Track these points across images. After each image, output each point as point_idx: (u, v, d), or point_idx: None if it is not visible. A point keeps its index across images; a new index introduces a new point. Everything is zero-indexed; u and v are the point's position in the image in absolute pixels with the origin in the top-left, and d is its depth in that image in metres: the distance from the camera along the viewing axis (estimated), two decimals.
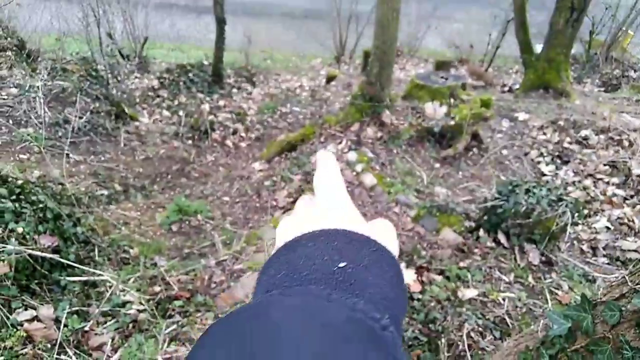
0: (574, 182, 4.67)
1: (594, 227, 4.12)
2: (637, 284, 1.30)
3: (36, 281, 2.74)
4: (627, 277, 1.35)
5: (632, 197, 4.49)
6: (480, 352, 2.34)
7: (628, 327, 1.32)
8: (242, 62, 8.98)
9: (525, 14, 7.31)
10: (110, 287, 3.04)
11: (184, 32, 11.57)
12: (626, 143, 5.06)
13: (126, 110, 5.31)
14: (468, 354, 2.34)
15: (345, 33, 10.48)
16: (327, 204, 0.51)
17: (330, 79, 8.48)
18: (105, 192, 4.25)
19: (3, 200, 2.77)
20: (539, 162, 4.95)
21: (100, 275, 3.12)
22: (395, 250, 0.48)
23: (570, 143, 5.14)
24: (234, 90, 7.79)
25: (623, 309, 1.33)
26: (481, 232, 3.52)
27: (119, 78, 5.88)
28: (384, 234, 0.49)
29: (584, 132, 5.21)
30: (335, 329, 0.32)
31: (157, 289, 3.14)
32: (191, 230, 3.96)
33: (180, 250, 3.72)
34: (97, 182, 4.32)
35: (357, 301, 0.37)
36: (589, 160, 4.88)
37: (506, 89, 8.83)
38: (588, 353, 1.42)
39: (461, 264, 3.30)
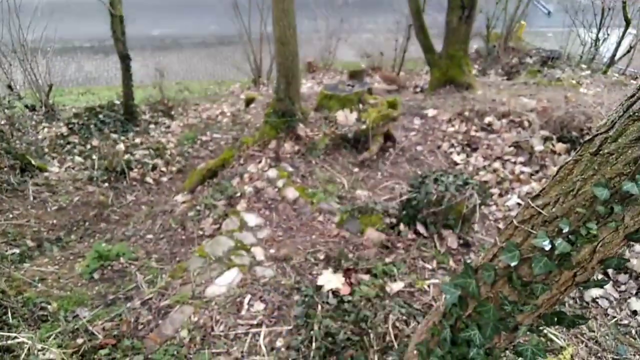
0: (484, 167, 4.96)
1: (507, 205, 4.39)
2: (503, 242, 1.40)
3: None
4: (497, 239, 1.46)
5: (537, 172, 4.83)
6: (406, 339, 2.41)
7: (503, 284, 1.41)
8: (158, 96, 8.80)
9: (422, 17, 7.74)
10: (28, 348, 2.85)
11: (93, 74, 11.22)
12: (526, 123, 5.45)
13: (32, 162, 5.04)
14: (395, 342, 2.40)
15: (259, 55, 10.60)
16: None
17: (249, 101, 8.51)
18: (17, 250, 4.00)
19: None
20: (451, 153, 5.21)
21: (15, 337, 2.92)
22: None
23: (476, 131, 5.46)
24: (151, 125, 7.61)
25: (496, 267, 1.42)
26: (401, 227, 3.64)
27: (22, 130, 5.58)
28: None
29: (487, 119, 5.56)
30: None
31: (80, 341, 2.97)
32: (115, 275, 3.79)
33: (105, 297, 3.54)
34: (7, 242, 4.05)
35: None
36: (495, 144, 5.21)
37: (418, 89, 9.27)
38: (478, 315, 1.50)
39: (386, 260, 3.39)
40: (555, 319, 1.43)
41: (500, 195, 4.53)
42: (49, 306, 3.33)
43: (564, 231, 1.20)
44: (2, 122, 5.70)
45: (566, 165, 1.23)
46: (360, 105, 4.99)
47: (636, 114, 1.07)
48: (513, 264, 1.32)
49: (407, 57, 10.75)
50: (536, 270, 1.28)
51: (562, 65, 9.09)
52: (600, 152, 1.12)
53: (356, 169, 4.71)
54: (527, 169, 4.84)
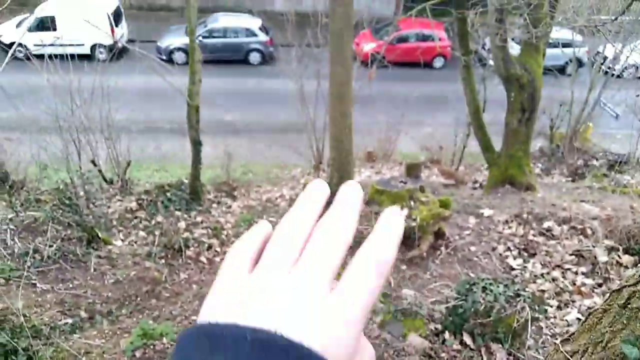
0: (542, 275, 4.69)
1: (566, 320, 4.07)
2: None
3: None
4: None
5: (600, 285, 4.50)
6: None
7: None
8: (224, 177, 9.31)
9: (481, 116, 7.85)
10: None
11: (170, 153, 12.12)
12: (589, 231, 5.17)
13: (99, 235, 5.41)
14: None
15: (321, 143, 11.05)
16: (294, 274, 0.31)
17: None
18: (70, 321, 4.20)
19: None
20: (506, 257, 5.00)
21: None
22: None
23: (534, 235, 5.24)
24: (214, 205, 7.99)
25: None
26: (447, 335, 3.47)
27: (95, 203, 6.06)
28: None
29: (547, 224, 5.34)
30: None
31: None
32: (155, 355, 3.84)
33: None
34: (62, 311, 4.28)
35: None
36: (554, 251, 4.95)
37: (477, 185, 9.16)
38: None
39: None
40: None
41: (559, 307, 4.22)
42: None
43: None
44: (80, 195, 6.24)
45: (595, 312, 1.17)
46: (411, 202, 5.00)
47: None
48: None
49: (468, 151, 10.77)
50: None
51: (630, 171, 8.69)
52: (629, 305, 1.07)
53: (404, 267, 4.63)
54: (589, 281, 4.52)
